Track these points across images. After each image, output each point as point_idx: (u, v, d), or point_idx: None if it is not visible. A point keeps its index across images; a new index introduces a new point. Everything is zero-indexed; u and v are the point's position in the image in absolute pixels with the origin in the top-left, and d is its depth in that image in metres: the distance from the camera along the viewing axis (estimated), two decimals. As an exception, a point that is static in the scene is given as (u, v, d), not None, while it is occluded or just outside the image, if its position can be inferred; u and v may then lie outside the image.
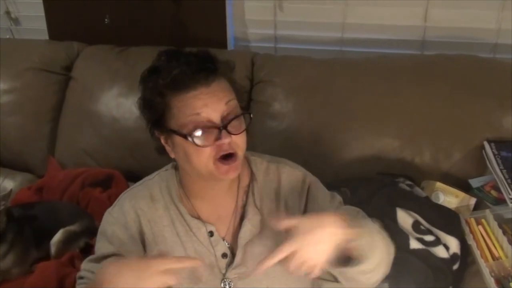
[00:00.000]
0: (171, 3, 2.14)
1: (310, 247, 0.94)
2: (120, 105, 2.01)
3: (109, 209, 1.22)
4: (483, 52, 1.87)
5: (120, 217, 1.18)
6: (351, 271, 1.04)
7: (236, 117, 1.07)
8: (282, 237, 1.12)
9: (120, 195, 1.24)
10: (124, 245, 1.15)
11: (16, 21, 2.53)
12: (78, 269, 1.45)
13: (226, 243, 1.18)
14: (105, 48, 2.17)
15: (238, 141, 1.09)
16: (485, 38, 1.90)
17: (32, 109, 2.16)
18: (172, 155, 1.14)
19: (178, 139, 1.08)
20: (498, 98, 1.69)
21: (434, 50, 1.91)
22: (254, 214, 1.19)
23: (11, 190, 1.71)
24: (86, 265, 1.17)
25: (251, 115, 1.12)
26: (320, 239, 0.95)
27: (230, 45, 2.17)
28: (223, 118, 1.06)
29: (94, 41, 2.22)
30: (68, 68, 2.19)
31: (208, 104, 1.05)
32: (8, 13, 2.50)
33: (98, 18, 2.19)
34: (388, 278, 1.39)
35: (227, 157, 1.08)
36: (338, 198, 1.23)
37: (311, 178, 1.24)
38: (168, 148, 1.14)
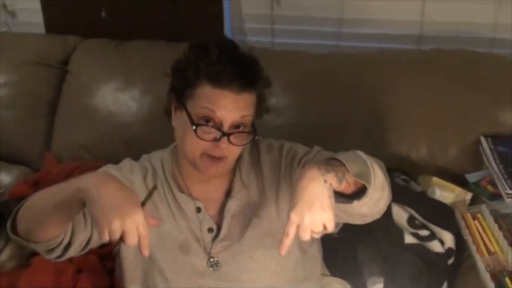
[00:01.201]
0: (168, -4, 2.13)
1: (308, 214, 0.92)
2: (117, 99, 2.00)
3: (110, 164, 1.30)
4: (480, 46, 1.87)
5: (123, 172, 1.25)
6: (350, 207, 1.04)
7: (243, 132, 1.13)
8: (264, 209, 1.21)
9: (125, 159, 1.33)
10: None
11: (12, 14, 2.51)
12: (75, 264, 1.47)
13: (213, 220, 1.23)
14: (102, 42, 2.16)
15: (234, 151, 1.15)
16: (482, 32, 1.90)
17: (28, 103, 2.15)
18: (173, 123, 1.20)
19: (185, 117, 1.12)
20: (495, 93, 1.69)
21: (431, 45, 1.91)
22: (240, 189, 1.24)
23: (4, 192, 1.70)
24: None
25: (256, 137, 1.16)
26: (311, 200, 0.93)
27: (227, 39, 2.16)
28: (232, 126, 1.11)
29: (91, 35, 2.21)
30: (65, 62, 2.18)
31: (228, 108, 1.10)
32: (4, 6, 2.48)
33: (94, 11, 2.18)
34: (383, 273, 1.41)
35: (214, 157, 1.13)
36: (317, 148, 1.26)
37: (287, 146, 1.28)
38: (173, 115, 1.19)
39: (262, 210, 1.23)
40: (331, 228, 0.93)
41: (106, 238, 0.90)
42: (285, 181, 1.23)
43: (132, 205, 0.93)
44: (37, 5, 2.34)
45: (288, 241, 0.94)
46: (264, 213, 1.23)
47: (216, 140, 1.10)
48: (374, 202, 1.06)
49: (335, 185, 0.96)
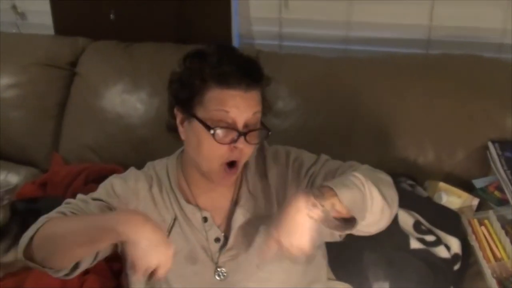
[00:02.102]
0: (177, -1, 2.14)
1: (287, 236, 0.98)
2: (125, 101, 2.01)
3: (116, 174, 1.29)
4: (488, 51, 1.86)
5: (126, 182, 1.24)
6: (354, 230, 1.05)
7: (257, 129, 1.13)
8: (271, 219, 1.16)
9: (130, 168, 1.32)
10: (119, 202, 1.21)
11: (22, 15, 2.53)
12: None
13: (220, 229, 1.22)
14: (110, 44, 2.17)
15: (247, 151, 1.14)
16: (490, 37, 1.89)
17: (37, 104, 2.17)
18: (183, 137, 1.18)
19: (197, 126, 1.12)
20: (503, 98, 1.68)
21: (439, 49, 1.90)
22: (247, 199, 1.23)
23: (16, 185, 1.71)
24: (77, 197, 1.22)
25: (270, 133, 1.16)
26: (293, 228, 0.99)
27: (235, 42, 2.17)
28: (245, 125, 1.11)
29: (99, 36, 2.23)
30: (73, 64, 2.19)
31: (240, 107, 1.10)
32: (14, 7, 2.50)
33: (103, 14, 2.19)
34: (388, 278, 1.40)
35: (231, 165, 1.14)
36: (324, 156, 1.27)
37: (294, 155, 1.28)
38: (181, 129, 1.18)
39: (268, 220, 1.19)
40: (306, 252, 0.99)
41: (141, 275, 1.00)
42: (292, 191, 1.22)
43: (166, 244, 1.00)
44: (47, 7, 2.36)
45: (269, 253, 1.02)
46: (271, 223, 1.21)
47: (234, 141, 1.10)
48: (374, 222, 1.08)
49: (319, 219, 1.00)
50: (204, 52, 1.15)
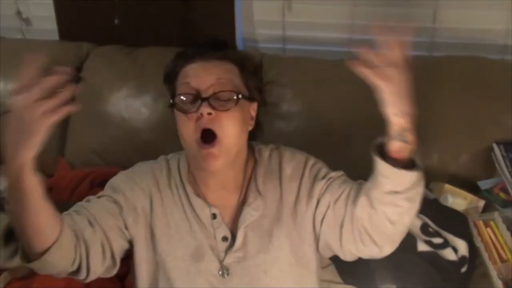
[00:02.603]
0: (180, 3, 2.15)
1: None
2: (129, 105, 2.02)
3: (123, 171, 1.29)
4: (492, 53, 1.87)
5: (131, 178, 1.24)
6: (391, 171, 1.02)
7: (220, 92, 1.11)
8: (282, 221, 1.18)
9: (139, 163, 1.32)
10: (124, 197, 1.20)
11: (27, 21, 2.54)
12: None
13: (228, 228, 1.20)
14: (115, 49, 2.18)
15: (224, 123, 1.10)
16: (494, 39, 1.89)
17: (42, 109, 2.17)
18: (176, 127, 1.18)
19: (175, 111, 1.14)
20: (507, 99, 1.69)
21: (443, 52, 1.91)
22: (255, 198, 1.21)
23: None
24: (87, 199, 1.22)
25: (239, 96, 1.13)
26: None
27: (239, 46, 2.17)
28: (211, 91, 1.11)
29: (104, 41, 2.23)
30: (78, 69, 2.20)
31: (199, 75, 1.12)
32: (19, 13, 2.51)
33: (108, 19, 2.20)
34: (395, 280, 1.40)
35: (208, 139, 1.10)
36: (341, 172, 1.25)
37: (312, 160, 1.26)
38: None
39: (279, 224, 1.20)
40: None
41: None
42: (304, 194, 1.21)
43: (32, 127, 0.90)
44: (51, 13, 2.37)
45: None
46: (281, 227, 1.20)
47: (198, 108, 1.09)
48: (404, 211, 1.06)
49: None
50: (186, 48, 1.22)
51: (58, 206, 1.67)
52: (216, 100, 1.10)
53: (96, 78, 2.13)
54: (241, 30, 2.17)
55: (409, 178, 1.02)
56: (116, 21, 2.20)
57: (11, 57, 2.22)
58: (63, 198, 1.90)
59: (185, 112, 1.11)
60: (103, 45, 2.23)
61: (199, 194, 1.21)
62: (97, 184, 1.92)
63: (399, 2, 1.93)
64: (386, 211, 1.06)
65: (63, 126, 2.16)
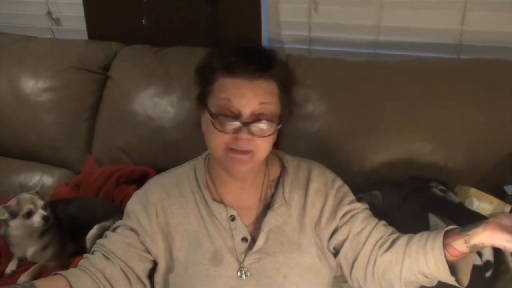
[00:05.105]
0: (207, 4, 2.16)
1: None
2: (156, 104, 2.05)
3: (136, 191, 1.29)
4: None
5: (142, 198, 1.24)
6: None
7: (262, 120, 1.09)
8: (305, 231, 1.20)
9: (149, 180, 1.31)
10: (138, 221, 1.21)
11: (57, 21, 2.60)
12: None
13: (248, 230, 1.21)
14: (142, 48, 2.21)
15: (259, 144, 1.11)
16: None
17: (70, 107, 2.22)
18: (202, 128, 1.18)
19: (207, 115, 1.12)
20: (535, 103, 1.66)
21: (470, 54, 1.88)
22: (281, 205, 1.22)
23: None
24: (105, 235, 1.25)
25: (279, 127, 1.12)
26: None
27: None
28: (251, 116, 1.08)
29: (132, 41, 2.27)
30: (106, 68, 2.24)
31: (243, 96, 1.08)
32: (49, 13, 2.56)
33: (135, 19, 2.23)
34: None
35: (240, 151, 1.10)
36: (366, 205, 1.26)
37: (340, 182, 1.27)
38: (202, 121, 1.18)
39: (301, 232, 1.21)
40: None
41: None
42: (327, 211, 1.22)
43: None
44: (81, 13, 2.41)
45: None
46: (304, 236, 1.21)
47: (236, 131, 1.08)
48: (420, 284, 1.14)
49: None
50: (222, 45, 1.17)
51: (59, 205, 1.71)
52: (255, 126, 1.09)
53: (124, 77, 2.16)
54: (267, 31, 2.18)
55: (448, 279, 1.08)
56: (143, 21, 2.23)
57: (41, 57, 2.28)
58: (90, 195, 1.94)
59: (221, 131, 1.09)
60: (131, 45, 2.26)
61: (215, 199, 1.23)
62: (123, 182, 1.95)
63: (426, 3, 1.92)
64: (406, 278, 1.12)
65: (91, 124, 2.20)
